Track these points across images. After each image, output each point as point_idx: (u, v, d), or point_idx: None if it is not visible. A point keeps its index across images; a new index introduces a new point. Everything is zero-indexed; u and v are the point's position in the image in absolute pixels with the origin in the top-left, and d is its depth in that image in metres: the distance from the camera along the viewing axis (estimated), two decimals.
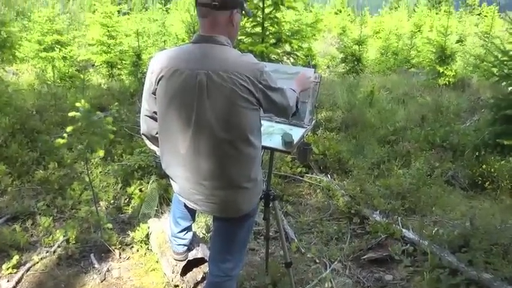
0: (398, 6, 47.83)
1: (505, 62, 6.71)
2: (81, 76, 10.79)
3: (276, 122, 3.17)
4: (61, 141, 3.66)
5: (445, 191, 5.39)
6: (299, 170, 5.81)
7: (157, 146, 2.51)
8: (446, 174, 5.85)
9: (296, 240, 4.31)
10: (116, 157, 5.83)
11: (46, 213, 4.49)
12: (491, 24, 16.18)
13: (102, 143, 3.78)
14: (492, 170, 5.61)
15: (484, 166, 5.70)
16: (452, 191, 5.50)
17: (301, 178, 5.71)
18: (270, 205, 3.10)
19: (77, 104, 3.65)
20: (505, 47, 6.80)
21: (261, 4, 8.15)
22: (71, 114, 3.63)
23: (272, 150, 2.91)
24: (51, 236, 4.09)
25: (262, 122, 2.49)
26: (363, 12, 25.86)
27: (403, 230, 4.33)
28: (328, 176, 5.80)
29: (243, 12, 2.43)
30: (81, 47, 16.81)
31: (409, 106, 9.17)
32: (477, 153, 6.12)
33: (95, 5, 15.85)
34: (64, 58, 12.90)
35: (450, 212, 4.84)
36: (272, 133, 2.98)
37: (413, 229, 4.37)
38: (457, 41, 17.80)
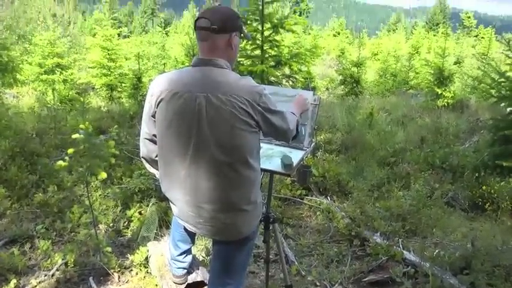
0: (396, 28, 48.35)
1: (502, 84, 6.75)
2: (81, 99, 10.83)
3: (276, 144, 3.18)
4: (62, 164, 3.66)
5: (446, 212, 5.37)
6: (299, 192, 5.80)
7: (157, 169, 2.51)
8: (447, 195, 5.83)
9: (296, 262, 4.28)
10: (115, 180, 5.82)
11: (45, 236, 4.46)
12: (488, 46, 16.34)
13: (103, 166, 3.77)
14: (492, 191, 5.60)
15: (484, 187, 5.69)
16: (453, 213, 5.48)
17: (301, 200, 5.69)
18: (270, 228, 3.09)
19: (81, 126, 3.66)
20: (501, 69, 6.85)
21: (260, 27, 8.22)
22: (74, 136, 3.63)
23: (272, 172, 2.91)
24: (49, 259, 4.06)
25: (261, 144, 2.50)
26: (361, 34, 26.11)
27: (404, 252, 4.30)
28: (328, 198, 5.79)
29: (242, 35, 2.46)
30: (82, 69, 16.93)
31: (409, 128, 9.19)
32: (477, 175, 6.11)
33: (95, 28, 15.99)
34: (64, 81, 13.01)
35: (451, 234, 4.81)
36: (271, 156, 2.99)
37: (414, 251, 4.34)
38: (455, 63, 17.93)
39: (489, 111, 9.73)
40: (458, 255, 4.04)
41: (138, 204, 5.09)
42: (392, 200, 5.47)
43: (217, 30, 2.27)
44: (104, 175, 3.78)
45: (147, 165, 2.62)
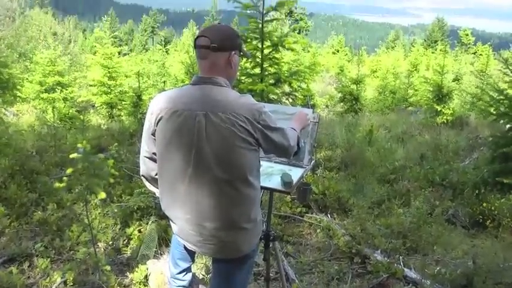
0: (395, 46, 48.56)
1: (501, 101, 6.78)
2: (81, 117, 10.87)
3: (275, 162, 3.18)
4: (60, 184, 3.65)
5: (446, 229, 5.35)
6: (299, 209, 5.78)
7: (157, 188, 2.51)
8: (447, 212, 5.82)
9: (297, 280, 4.26)
10: (115, 198, 5.81)
11: (44, 254, 4.44)
12: (486, 63, 16.41)
13: (102, 185, 3.77)
14: (493, 208, 5.59)
15: (484, 204, 5.68)
16: (454, 230, 5.46)
17: (301, 218, 5.67)
18: (270, 245, 3.08)
19: (78, 145, 3.66)
20: (499, 86, 6.88)
21: (260, 45, 8.27)
22: (71, 156, 3.63)
23: (272, 190, 2.91)
24: (48, 278, 4.03)
25: (261, 162, 2.50)
26: (360, 51, 26.25)
27: (405, 270, 4.28)
28: (328, 215, 5.77)
29: (241, 53, 2.47)
30: (82, 88, 16.99)
31: (408, 145, 9.20)
32: (477, 192, 6.10)
33: (95, 46, 16.10)
34: (65, 99, 13.06)
35: (452, 251, 4.79)
36: (271, 173, 2.99)
37: (415, 268, 4.32)
38: (454, 80, 18.00)
39: (489, 128, 9.74)
40: (459, 273, 4.03)
41: (137, 222, 5.07)
42: (392, 217, 5.45)
43: (217, 48, 2.29)
44: (103, 195, 3.77)
45: (147, 184, 2.62)
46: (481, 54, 22.72)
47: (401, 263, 4.44)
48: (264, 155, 2.60)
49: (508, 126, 6.60)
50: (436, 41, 49.54)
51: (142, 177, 2.61)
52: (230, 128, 2.18)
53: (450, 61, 22.49)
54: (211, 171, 2.23)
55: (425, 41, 52.78)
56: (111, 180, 3.80)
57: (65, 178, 3.66)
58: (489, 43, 22.47)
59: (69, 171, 3.60)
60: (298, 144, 2.63)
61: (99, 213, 5.32)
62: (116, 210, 5.35)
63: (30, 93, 13.66)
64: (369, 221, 5.42)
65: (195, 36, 2.38)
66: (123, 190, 5.99)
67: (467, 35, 42.00)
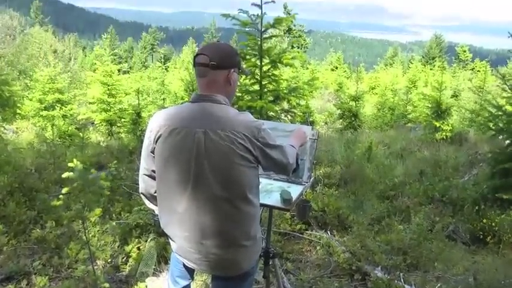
0: (393, 62, 48.85)
1: (500, 117, 6.80)
2: (81, 134, 10.87)
3: (275, 179, 3.18)
4: (57, 202, 3.65)
5: (447, 246, 5.33)
6: (298, 226, 5.76)
7: (156, 205, 2.51)
8: (447, 229, 5.81)
9: None
10: (114, 215, 5.79)
11: (42, 272, 4.41)
12: (484, 79, 16.49)
13: (100, 202, 3.76)
14: (493, 224, 5.58)
15: (484, 220, 5.67)
16: (454, 246, 5.44)
17: (300, 235, 5.65)
18: (270, 263, 3.07)
19: (69, 164, 3.66)
20: (497, 102, 6.91)
21: (259, 62, 8.30)
22: (64, 175, 3.63)
23: (271, 207, 2.91)
24: None
25: (260, 179, 2.50)
26: (359, 68, 26.38)
27: (406, 286, 4.26)
28: (328, 232, 5.75)
29: (240, 71, 2.49)
30: (81, 105, 17.03)
31: (408, 161, 9.20)
32: (477, 208, 6.09)
33: (95, 63, 16.19)
34: (64, 116, 13.08)
35: (453, 268, 4.77)
36: (271, 191, 2.99)
37: (416, 285, 4.30)
38: (452, 96, 18.10)
39: (488, 144, 9.76)
40: None
41: (136, 240, 5.05)
42: (392, 234, 5.43)
43: (216, 66, 2.30)
44: (98, 212, 3.77)
45: (146, 201, 2.61)
46: (478, 71, 22.88)
47: (402, 280, 4.42)
48: (263, 172, 2.59)
49: (507, 142, 6.61)
50: (434, 58, 49.86)
51: (141, 195, 2.61)
52: (229, 145, 2.18)
53: (448, 77, 22.61)
54: (210, 188, 2.23)
55: (423, 57, 53.12)
56: (107, 193, 3.79)
57: (61, 196, 3.65)
58: (486, 59, 22.62)
59: (65, 189, 3.60)
60: (297, 161, 2.63)
61: (98, 230, 5.30)
62: (115, 227, 5.33)
63: (29, 110, 13.70)
64: (369, 238, 5.41)
65: (195, 54, 2.40)
66: (122, 207, 5.97)
67: (464, 51, 42.34)
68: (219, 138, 2.18)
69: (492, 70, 19.30)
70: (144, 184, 2.52)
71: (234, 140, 2.18)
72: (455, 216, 6.12)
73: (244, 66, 2.53)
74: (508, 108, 7.04)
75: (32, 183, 6.34)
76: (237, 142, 2.19)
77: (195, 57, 2.37)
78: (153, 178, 2.43)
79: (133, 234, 5.15)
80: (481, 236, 5.58)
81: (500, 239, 5.43)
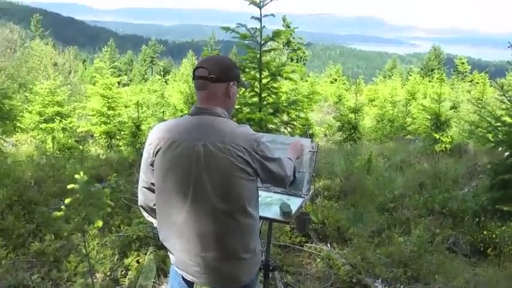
0: (392, 74, 48.96)
1: (499, 128, 6.80)
2: (80, 147, 10.87)
3: (274, 192, 3.18)
4: (58, 214, 3.64)
5: (447, 258, 5.31)
6: (298, 239, 5.75)
7: (155, 218, 2.50)
8: (447, 241, 5.79)
9: None
10: (113, 228, 5.78)
11: (41, 286, 4.39)
12: (483, 91, 16.53)
13: (100, 215, 3.75)
14: (493, 236, 5.56)
15: (485, 232, 5.65)
16: (455, 258, 5.42)
17: (300, 247, 5.63)
18: (270, 276, 3.06)
19: (76, 176, 3.66)
20: (496, 114, 6.92)
21: (258, 75, 8.33)
22: (69, 186, 3.63)
23: (270, 220, 2.91)
24: None
25: (259, 192, 2.50)
26: (358, 80, 26.46)
27: None
28: (328, 244, 5.73)
29: (239, 84, 2.50)
30: (81, 118, 17.04)
31: (407, 173, 9.19)
32: (477, 219, 6.08)
33: (95, 76, 16.22)
34: (64, 129, 13.08)
35: (453, 280, 4.75)
36: (270, 203, 2.99)
37: None
38: (451, 108, 18.11)
39: (487, 156, 9.75)
40: None
41: (136, 253, 5.03)
42: (393, 246, 5.42)
43: (215, 79, 2.31)
44: (99, 224, 3.76)
45: (145, 214, 2.61)
46: (477, 82, 22.93)
47: None
48: (261, 185, 2.59)
49: (506, 153, 6.61)
50: (432, 70, 50.07)
51: (140, 208, 2.60)
52: (229, 158, 2.19)
53: (447, 89, 22.66)
54: (209, 201, 2.23)
55: (422, 69, 53.32)
56: (108, 209, 3.78)
57: (63, 207, 3.65)
58: (485, 71, 22.68)
59: (67, 201, 3.59)
60: (294, 174, 2.64)
61: (97, 243, 5.28)
62: (114, 240, 5.32)
63: (29, 123, 13.70)
64: (369, 250, 5.39)
65: (194, 67, 2.41)
66: (122, 220, 5.96)
67: (463, 63, 42.46)
68: (219, 151, 2.19)
69: (491, 82, 19.33)
70: (143, 197, 2.52)
71: (234, 152, 2.19)
72: (456, 228, 6.10)
73: (243, 79, 2.53)
74: (507, 119, 7.05)
75: (31, 196, 6.32)
76: (236, 155, 2.19)
77: (194, 70, 2.38)
78: (152, 191, 2.43)
79: (133, 247, 5.14)
80: (482, 248, 5.56)
81: (501, 251, 5.41)
